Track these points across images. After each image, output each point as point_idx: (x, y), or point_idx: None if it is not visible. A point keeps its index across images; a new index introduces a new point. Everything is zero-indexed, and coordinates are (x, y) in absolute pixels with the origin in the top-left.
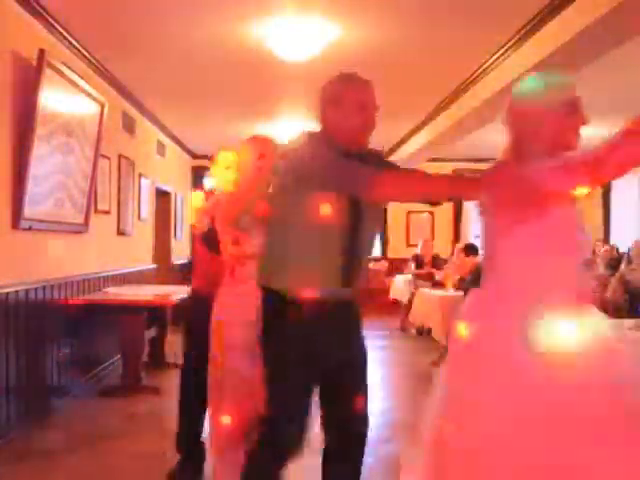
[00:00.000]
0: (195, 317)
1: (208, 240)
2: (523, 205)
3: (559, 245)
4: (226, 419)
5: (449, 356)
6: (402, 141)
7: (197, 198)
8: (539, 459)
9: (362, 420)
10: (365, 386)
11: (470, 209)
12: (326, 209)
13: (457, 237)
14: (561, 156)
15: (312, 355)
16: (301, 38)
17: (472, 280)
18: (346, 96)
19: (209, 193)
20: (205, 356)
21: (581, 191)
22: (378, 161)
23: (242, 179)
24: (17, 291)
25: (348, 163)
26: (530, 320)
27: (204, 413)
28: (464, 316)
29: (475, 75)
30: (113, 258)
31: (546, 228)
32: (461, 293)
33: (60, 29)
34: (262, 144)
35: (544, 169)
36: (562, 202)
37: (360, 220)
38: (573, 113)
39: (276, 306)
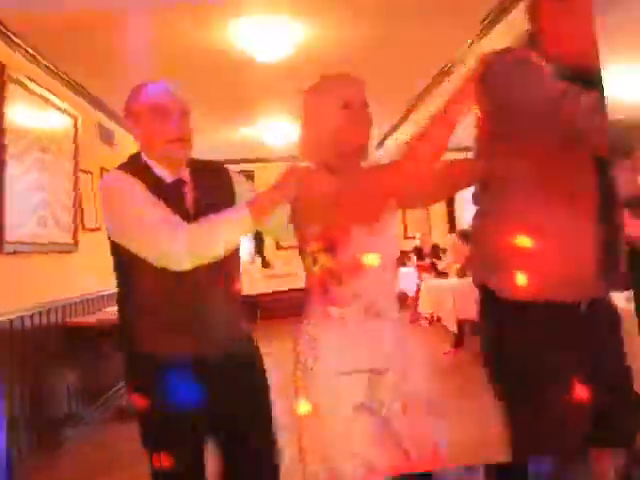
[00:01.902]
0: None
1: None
2: None
3: None
4: None
5: None
6: (382, 140)
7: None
8: None
9: None
10: None
11: (461, 194)
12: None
13: (452, 226)
14: None
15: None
16: (272, 39)
17: None
18: None
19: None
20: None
21: None
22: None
23: (320, 143)
24: (11, 320)
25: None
26: None
27: None
28: None
29: (445, 70)
30: (110, 275)
31: None
32: (466, 280)
33: (21, 43)
34: (348, 86)
35: None
36: None
37: (612, 190)
38: None
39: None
